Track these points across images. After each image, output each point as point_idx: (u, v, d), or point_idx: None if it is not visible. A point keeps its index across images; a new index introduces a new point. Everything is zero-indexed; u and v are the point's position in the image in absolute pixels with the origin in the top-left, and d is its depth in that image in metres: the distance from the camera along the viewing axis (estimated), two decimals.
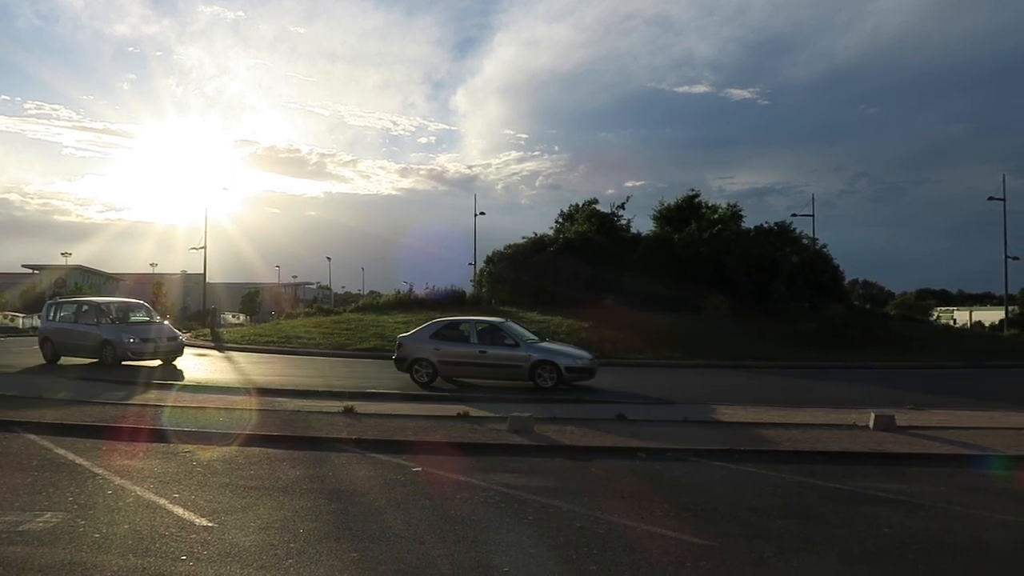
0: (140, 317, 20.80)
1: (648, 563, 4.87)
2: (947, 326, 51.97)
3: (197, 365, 21.89)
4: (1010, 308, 47.95)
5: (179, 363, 19.86)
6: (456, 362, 15.81)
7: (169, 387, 14.42)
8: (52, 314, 21.00)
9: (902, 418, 10.77)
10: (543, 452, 8.70)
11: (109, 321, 19.75)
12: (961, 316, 76.58)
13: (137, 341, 19.03)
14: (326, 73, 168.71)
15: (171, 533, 5.39)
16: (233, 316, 66.41)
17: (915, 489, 7.20)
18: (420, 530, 5.56)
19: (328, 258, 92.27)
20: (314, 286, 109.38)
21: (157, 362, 19.34)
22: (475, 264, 44.73)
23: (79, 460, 7.89)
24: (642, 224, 40.52)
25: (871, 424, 10.37)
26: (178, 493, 6.55)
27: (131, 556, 4.88)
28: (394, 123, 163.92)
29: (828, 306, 30.78)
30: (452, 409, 11.33)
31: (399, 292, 37.64)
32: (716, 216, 38.23)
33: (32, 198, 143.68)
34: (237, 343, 29.12)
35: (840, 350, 24.45)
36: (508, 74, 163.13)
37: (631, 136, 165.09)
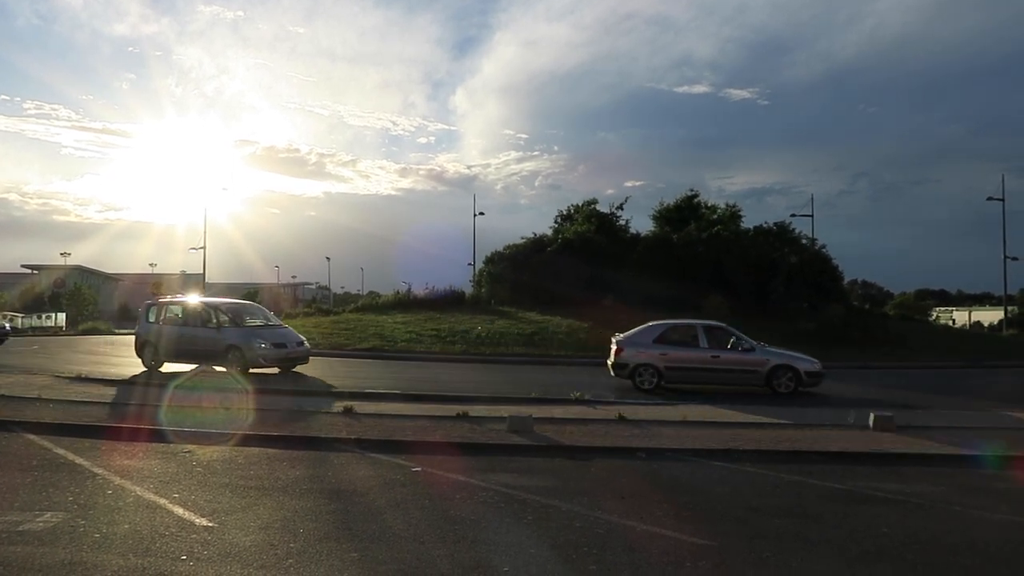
0: (258, 320, 19.10)
1: (648, 563, 4.88)
2: (946, 326, 52.03)
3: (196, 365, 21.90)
4: (1009, 308, 47.98)
5: (302, 369, 18.21)
6: (686, 367, 15.09)
7: (167, 387, 14.42)
8: (155, 315, 19.10)
9: (901, 418, 10.78)
10: (543, 452, 8.71)
11: (231, 324, 18.03)
12: (960, 316, 76.63)
13: (269, 346, 17.50)
14: (325, 73, 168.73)
15: (171, 533, 5.39)
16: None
17: (914, 489, 7.22)
18: (420, 530, 5.57)
19: (327, 258, 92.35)
20: (313, 286, 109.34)
21: (274, 369, 17.67)
22: (474, 264, 44.78)
23: (79, 460, 7.90)
24: (641, 224, 40.58)
25: (870, 424, 10.39)
26: (178, 493, 6.56)
27: (131, 556, 4.88)
28: (393, 123, 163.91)
29: (827, 306, 30.82)
30: (451, 409, 11.33)
31: (398, 292, 37.67)
32: (715, 216, 38.26)
33: (31, 198, 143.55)
34: None
35: (839, 350, 24.45)
36: (508, 74, 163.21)
37: (630, 136, 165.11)
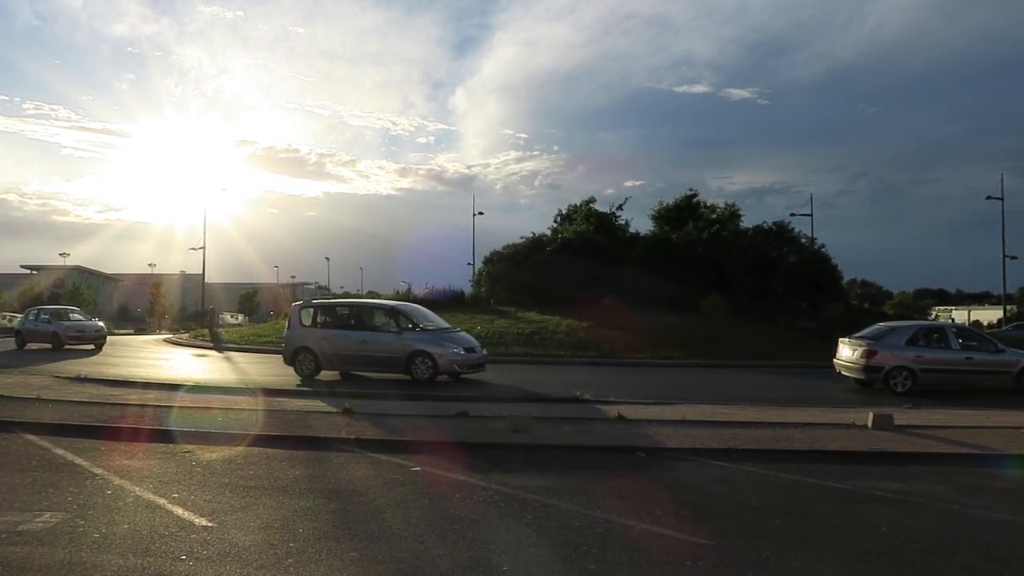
0: (431, 323, 17.57)
1: (647, 562, 4.88)
2: None
3: (196, 365, 21.91)
4: (1008, 307, 48.02)
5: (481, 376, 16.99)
6: (941, 370, 15.17)
7: (171, 387, 14.41)
8: (310, 319, 17.47)
9: (900, 417, 10.79)
10: (543, 451, 8.71)
11: (413, 327, 16.63)
12: (959, 315, 76.76)
13: (463, 353, 16.37)
14: (325, 73, 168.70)
15: (171, 533, 5.39)
16: (232, 316, 66.46)
17: (913, 488, 7.22)
18: (419, 529, 5.57)
19: (327, 258, 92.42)
20: (313, 286, 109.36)
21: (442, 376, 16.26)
22: (474, 264, 44.81)
23: (78, 460, 7.89)
24: (641, 224, 40.58)
25: (869, 423, 10.39)
26: (177, 493, 6.56)
27: (131, 556, 4.88)
28: (393, 123, 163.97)
29: (826, 306, 30.85)
30: (451, 408, 11.33)
31: (397, 292, 37.65)
32: (715, 216, 38.28)
33: (31, 198, 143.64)
34: (236, 343, 29.16)
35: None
36: (507, 74, 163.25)
37: (630, 136, 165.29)
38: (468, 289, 38.46)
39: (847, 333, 17.01)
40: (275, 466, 7.80)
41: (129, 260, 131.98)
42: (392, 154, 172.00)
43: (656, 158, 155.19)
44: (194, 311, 41.87)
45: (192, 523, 5.65)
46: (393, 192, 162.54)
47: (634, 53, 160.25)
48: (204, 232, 46.40)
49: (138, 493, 6.55)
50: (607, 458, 8.51)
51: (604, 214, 39.14)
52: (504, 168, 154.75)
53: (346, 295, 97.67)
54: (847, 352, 16.00)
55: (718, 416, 11.38)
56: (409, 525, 5.68)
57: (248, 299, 76.63)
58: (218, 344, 29.31)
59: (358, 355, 16.45)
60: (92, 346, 27.11)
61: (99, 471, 7.40)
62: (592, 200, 40.05)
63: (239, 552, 4.98)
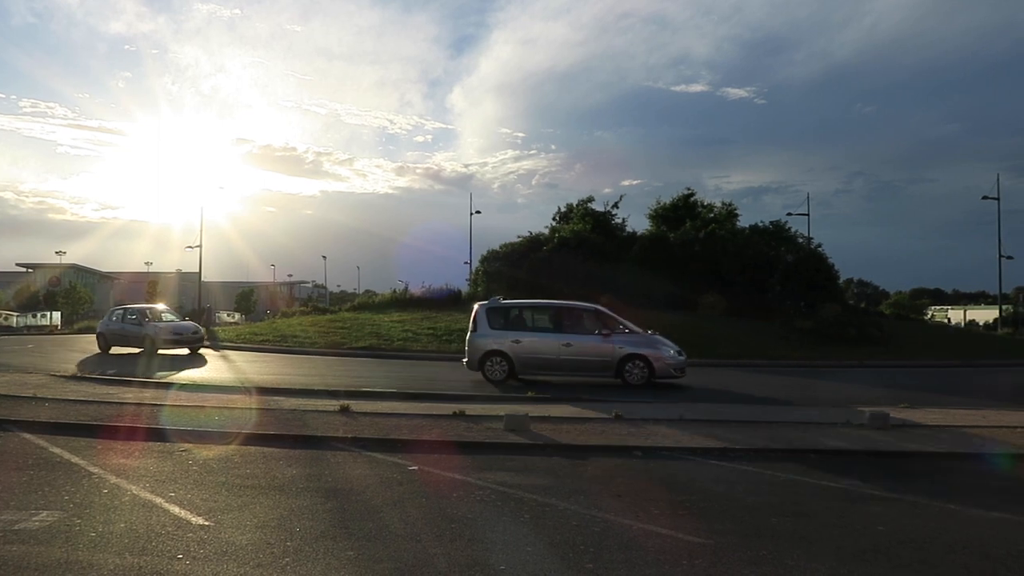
0: (628, 326, 16.61)
1: (644, 561, 4.89)
2: (941, 325, 52.20)
3: (193, 364, 21.87)
4: (1004, 307, 48.14)
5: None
6: None
7: (168, 386, 14.39)
8: (500, 321, 16.41)
9: (896, 416, 10.81)
10: (539, 451, 8.71)
11: (619, 330, 16.03)
12: (955, 315, 76.96)
13: (679, 357, 15.95)
14: (322, 71, 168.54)
15: (167, 532, 5.38)
16: (228, 315, 66.28)
17: (909, 487, 7.23)
18: (417, 528, 5.57)
19: (324, 257, 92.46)
20: (310, 285, 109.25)
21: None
22: (471, 263, 44.80)
23: (75, 459, 7.88)
24: (638, 223, 40.70)
25: (866, 422, 10.41)
26: (174, 492, 6.55)
27: (127, 555, 4.87)
28: (390, 121, 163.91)
29: (823, 305, 30.90)
30: (448, 408, 11.33)
31: (395, 291, 37.71)
32: (712, 215, 38.38)
33: (27, 196, 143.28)
34: (233, 342, 29.09)
35: (835, 349, 24.54)
36: (504, 72, 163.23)
37: (628, 135, 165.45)
38: (465, 288, 38.48)
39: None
40: (272, 465, 7.80)
41: (125, 258, 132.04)
42: (389, 153, 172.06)
43: (653, 157, 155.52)
44: (191, 310, 41.78)
45: (189, 522, 5.64)
46: (390, 191, 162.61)
47: (632, 52, 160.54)
48: (201, 230, 46.24)
49: (135, 492, 6.54)
50: (604, 457, 8.52)
51: (601, 213, 39.19)
52: (501, 167, 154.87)
53: (343, 294, 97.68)
54: None
55: (715, 415, 11.39)
56: (406, 524, 5.68)
57: (245, 298, 76.44)
58: (215, 343, 29.26)
59: (560, 359, 15.78)
60: (187, 350, 24.19)
61: (96, 470, 7.39)
62: (590, 199, 40.16)
63: (236, 551, 4.98)
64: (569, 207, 40.43)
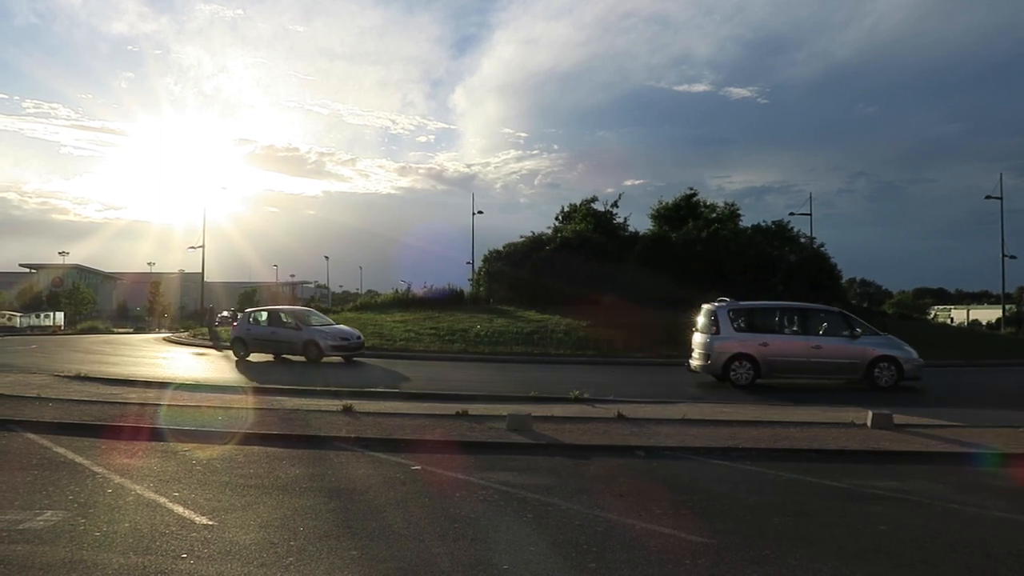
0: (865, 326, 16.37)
1: (647, 560, 4.90)
2: (944, 325, 52.11)
3: (195, 364, 21.92)
4: (1007, 307, 48.05)
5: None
6: None
7: (166, 386, 14.42)
8: (746, 322, 16.15)
9: (899, 416, 10.80)
10: (542, 450, 8.72)
11: (862, 331, 15.80)
12: (958, 315, 76.85)
13: (919, 360, 15.68)
14: (324, 71, 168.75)
15: (171, 531, 5.40)
16: (231, 315, 66.36)
17: (912, 487, 7.23)
18: (420, 528, 5.58)
19: (326, 257, 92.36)
20: (312, 285, 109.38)
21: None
22: (473, 263, 44.80)
23: (79, 459, 7.90)
24: (640, 223, 40.61)
25: (868, 422, 10.40)
26: (178, 491, 6.57)
27: (132, 554, 4.89)
28: (393, 122, 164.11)
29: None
30: (451, 407, 11.34)
31: (397, 291, 37.69)
32: (714, 215, 38.30)
33: (30, 197, 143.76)
34: None
35: None
36: (507, 72, 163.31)
37: (630, 135, 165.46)
38: (467, 288, 38.49)
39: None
40: (275, 464, 7.81)
41: (128, 259, 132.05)
42: (392, 153, 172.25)
43: (656, 157, 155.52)
44: (193, 310, 41.82)
45: (193, 521, 5.66)
46: (393, 191, 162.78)
47: (634, 52, 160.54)
48: (203, 231, 46.43)
49: (139, 492, 6.56)
50: (607, 457, 8.53)
51: (603, 213, 39.16)
52: (504, 167, 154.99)
53: (345, 294, 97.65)
54: None
55: (717, 415, 11.39)
56: (409, 524, 5.69)
57: (247, 298, 76.55)
58: (217, 343, 29.31)
59: (810, 362, 15.62)
60: (340, 358, 21.63)
61: (100, 470, 7.41)
62: (593, 199, 40.09)
63: (240, 550, 4.99)
64: (572, 207, 40.39)
